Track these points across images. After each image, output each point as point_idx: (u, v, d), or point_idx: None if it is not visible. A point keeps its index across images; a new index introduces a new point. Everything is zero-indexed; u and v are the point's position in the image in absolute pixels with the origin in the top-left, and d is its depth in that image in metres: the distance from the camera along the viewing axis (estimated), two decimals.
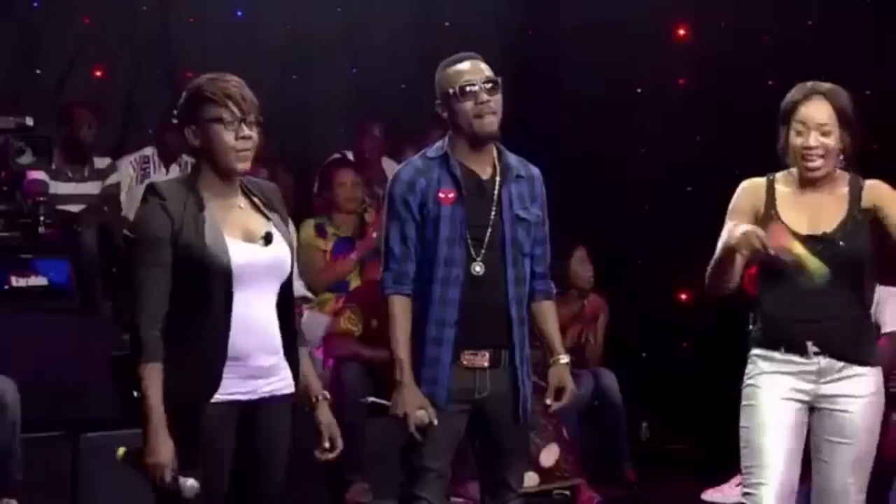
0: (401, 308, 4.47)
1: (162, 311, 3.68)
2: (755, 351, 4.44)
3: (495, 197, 4.50)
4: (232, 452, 3.79)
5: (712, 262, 4.42)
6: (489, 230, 4.48)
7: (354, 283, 7.48)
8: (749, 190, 4.49)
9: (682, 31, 8.95)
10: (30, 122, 6.67)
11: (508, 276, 4.50)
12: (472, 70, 4.48)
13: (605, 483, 7.09)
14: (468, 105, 4.44)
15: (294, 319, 3.96)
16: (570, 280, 7.36)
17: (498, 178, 4.52)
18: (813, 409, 4.40)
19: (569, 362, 4.70)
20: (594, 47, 8.61)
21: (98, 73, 8.58)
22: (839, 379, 4.35)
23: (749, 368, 4.45)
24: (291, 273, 3.90)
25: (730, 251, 4.30)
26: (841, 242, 4.35)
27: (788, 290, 4.34)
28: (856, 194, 4.42)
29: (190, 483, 3.64)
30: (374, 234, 7.06)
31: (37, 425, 5.98)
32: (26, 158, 6.60)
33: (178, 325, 3.70)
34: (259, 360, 3.80)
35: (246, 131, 3.78)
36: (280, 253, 3.84)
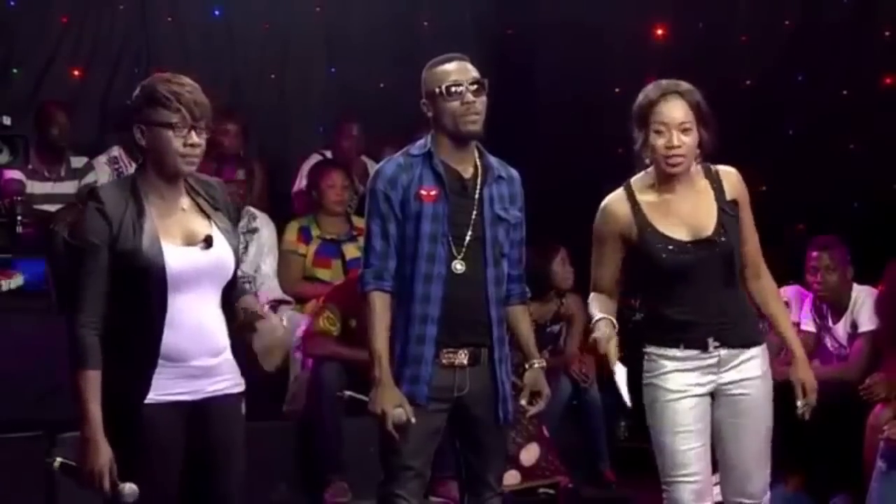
0: (381, 305, 4.47)
1: (100, 315, 3.70)
2: (652, 349, 4.54)
3: (477, 196, 4.52)
4: (182, 453, 3.80)
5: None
6: (470, 229, 4.49)
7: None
8: (611, 216, 4.54)
9: (660, 31, 8.96)
10: (7, 121, 6.66)
11: (488, 276, 4.51)
12: (459, 70, 4.50)
13: (583, 483, 7.10)
14: (454, 105, 4.46)
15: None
16: (550, 280, 7.38)
17: (479, 178, 4.53)
18: (714, 396, 4.52)
19: (544, 366, 4.73)
20: (572, 47, 8.62)
21: (76, 73, 8.56)
22: (737, 365, 4.50)
23: (648, 367, 4.55)
24: (236, 274, 3.90)
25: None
26: (721, 240, 4.46)
27: (677, 291, 4.47)
28: (717, 185, 4.52)
29: (129, 487, 3.67)
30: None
31: (13, 425, 5.96)
32: (3, 157, 6.60)
33: (113, 327, 3.71)
34: (200, 360, 3.81)
35: (195, 138, 3.78)
36: (221, 255, 3.84)
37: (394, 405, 4.39)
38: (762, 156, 8.23)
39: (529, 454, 6.80)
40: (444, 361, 4.47)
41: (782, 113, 8.62)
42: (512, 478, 6.56)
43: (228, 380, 3.89)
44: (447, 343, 4.46)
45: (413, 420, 4.39)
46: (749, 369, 4.50)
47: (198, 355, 3.80)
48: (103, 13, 8.64)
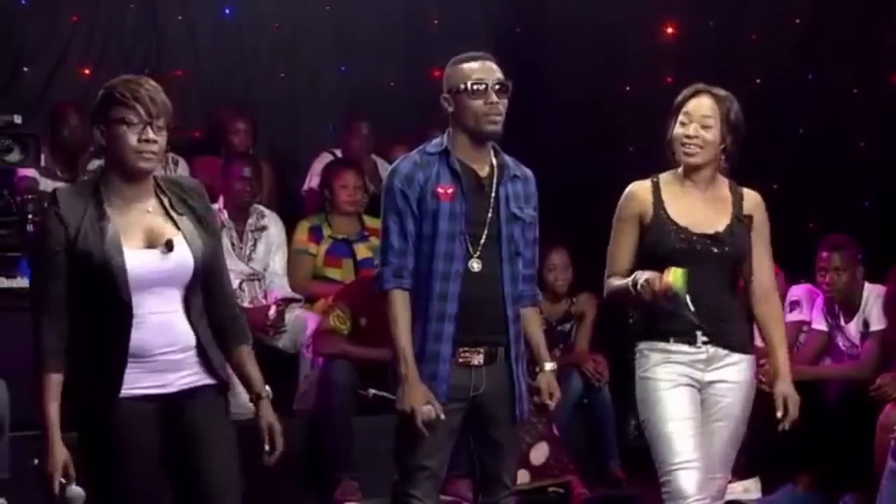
0: (402, 302, 4.46)
1: (62, 319, 3.75)
2: (642, 345, 4.62)
3: (493, 195, 4.53)
4: (158, 446, 3.81)
5: (615, 289, 4.60)
6: (486, 227, 4.50)
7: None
8: (634, 197, 4.67)
9: (670, 30, 8.96)
10: (18, 119, 6.65)
11: (504, 274, 4.51)
12: (484, 70, 4.51)
13: (593, 481, 7.10)
14: (477, 103, 4.47)
15: (228, 314, 3.99)
16: (546, 279, 7.28)
17: (495, 177, 4.54)
18: (700, 391, 4.59)
19: (554, 368, 4.74)
20: (582, 45, 8.61)
21: (86, 72, 8.57)
22: (722, 366, 4.58)
23: (640, 362, 4.62)
24: (198, 275, 3.88)
25: (630, 291, 4.48)
26: (728, 241, 4.57)
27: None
28: (737, 200, 4.65)
29: (75, 490, 3.71)
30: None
31: (23, 424, 5.96)
32: (14, 156, 6.59)
33: (82, 326, 3.75)
34: (164, 355, 3.83)
35: (150, 134, 3.78)
36: (182, 259, 3.84)
37: (423, 402, 4.39)
38: (773, 154, 8.23)
39: (539, 453, 6.79)
40: (460, 360, 4.47)
41: (793, 111, 8.60)
42: (522, 477, 6.55)
43: (198, 372, 3.89)
44: (463, 342, 4.47)
45: (442, 416, 4.39)
46: (732, 373, 4.58)
47: (161, 349, 3.82)
48: (114, 12, 8.64)
